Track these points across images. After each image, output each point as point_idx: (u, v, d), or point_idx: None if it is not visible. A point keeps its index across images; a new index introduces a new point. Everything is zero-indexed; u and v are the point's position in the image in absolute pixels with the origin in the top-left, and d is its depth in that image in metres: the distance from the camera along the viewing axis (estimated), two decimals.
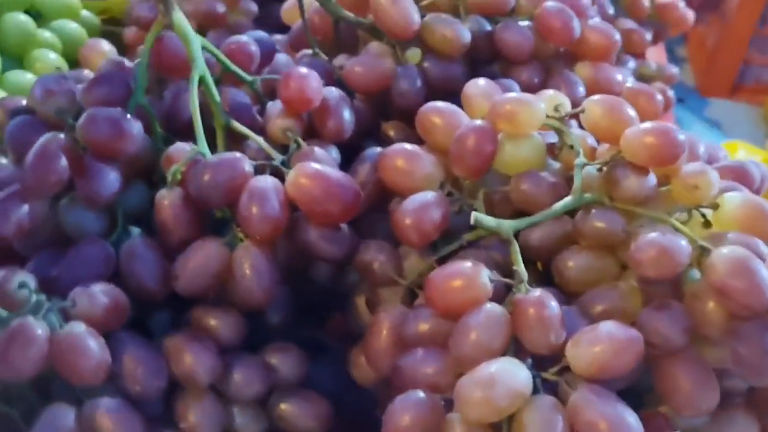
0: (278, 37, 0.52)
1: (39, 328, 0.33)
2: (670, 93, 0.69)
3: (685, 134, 0.38)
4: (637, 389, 0.34)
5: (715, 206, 0.35)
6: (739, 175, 0.39)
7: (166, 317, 0.40)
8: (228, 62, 0.43)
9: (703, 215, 0.36)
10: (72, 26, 0.66)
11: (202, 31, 0.48)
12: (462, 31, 0.45)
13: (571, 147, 0.38)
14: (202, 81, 0.41)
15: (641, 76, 0.69)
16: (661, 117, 0.42)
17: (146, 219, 0.40)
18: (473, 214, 0.34)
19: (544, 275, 0.38)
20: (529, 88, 0.43)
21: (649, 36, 0.69)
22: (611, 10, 0.63)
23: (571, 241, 0.37)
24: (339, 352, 0.42)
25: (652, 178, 0.36)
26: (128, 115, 0.39)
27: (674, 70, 0.72)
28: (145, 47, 0.41)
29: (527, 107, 0.38)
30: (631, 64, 0.66)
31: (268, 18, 0.59)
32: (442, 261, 0.38)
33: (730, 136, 1.16)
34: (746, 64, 1.24)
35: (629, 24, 0.67)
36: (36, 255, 0.39)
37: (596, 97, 0.38)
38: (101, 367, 0.34)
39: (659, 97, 0.44)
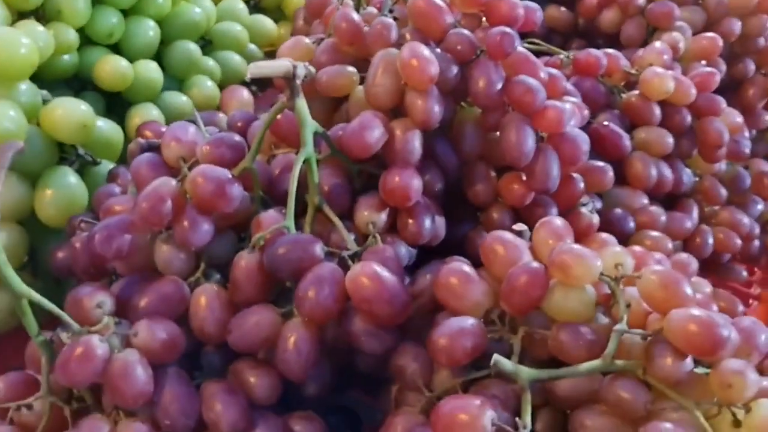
0: None
1: (100, 348, 0.38)
2: None
3: (746, 322, 0.37)
4: None
5: (747, 409, 0.35)
6: None
7: (218, 359, 0.44)
8: (335, 148, 0.47)
9: (734, 414, 0.35)
10: (235, 59, 0.73)
11: None
12: None
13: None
14: (307, 162, 0.45)
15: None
16: None
17: (228, 267, 0.44)
18: (494, 356, 0.36)
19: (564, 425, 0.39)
20: None
21: None
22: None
23: (597, 399, 0.38)
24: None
25: (689, 363, 0.36)
26: (233, 180, 0.43)
27: None
28: (265, 121, 0.45)
29: (582, 262, 0.38)
30: (760, 206, 0.65)
31: None
32: (469, 384, 0.39)
33: None
34: None
35: (764, 166, 0.66)
36: (124, 278, 0.44)
37: (656, 267, 0.39)
38: (142, 395, 0.38)
39: None
